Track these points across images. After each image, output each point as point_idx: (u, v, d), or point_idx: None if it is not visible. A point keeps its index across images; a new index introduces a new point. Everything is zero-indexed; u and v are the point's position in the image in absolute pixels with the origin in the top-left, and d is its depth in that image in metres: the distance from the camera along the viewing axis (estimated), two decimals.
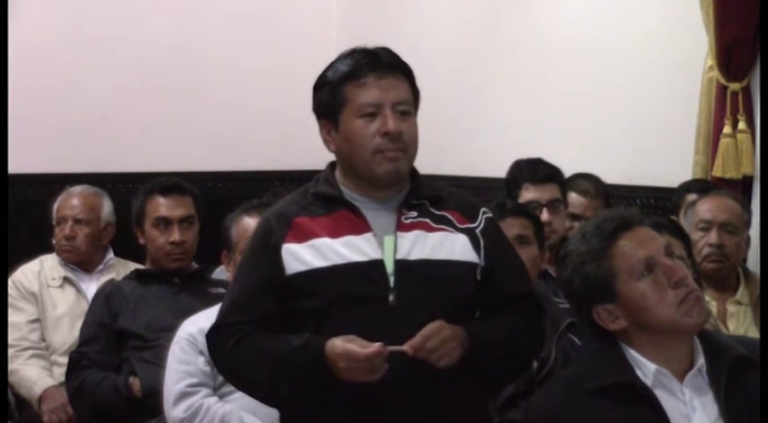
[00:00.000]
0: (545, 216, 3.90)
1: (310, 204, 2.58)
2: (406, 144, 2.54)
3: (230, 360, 2.57)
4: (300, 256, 2.51)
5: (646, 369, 2.34)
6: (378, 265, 2.50)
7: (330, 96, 2.57)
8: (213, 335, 2.60)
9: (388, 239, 2.53)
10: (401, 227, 2.54)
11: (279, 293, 2.52)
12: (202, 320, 3.26)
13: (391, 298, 2.48)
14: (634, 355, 2.36)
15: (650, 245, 2.34)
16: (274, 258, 2.53)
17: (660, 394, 2.32)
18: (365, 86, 2.54)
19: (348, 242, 2.52)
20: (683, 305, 2.31)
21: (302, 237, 2.53)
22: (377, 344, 2.40)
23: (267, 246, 2.55)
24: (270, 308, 2.53)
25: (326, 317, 2.49)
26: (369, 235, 2.53)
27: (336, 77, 2.56)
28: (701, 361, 2.36)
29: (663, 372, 2.33)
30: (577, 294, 2.40)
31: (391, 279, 2.49)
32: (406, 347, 2.42)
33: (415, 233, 2.54)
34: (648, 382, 2.33)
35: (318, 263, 2.50)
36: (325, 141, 2.61)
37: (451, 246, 2.55)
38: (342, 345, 2.41)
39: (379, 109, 2.53)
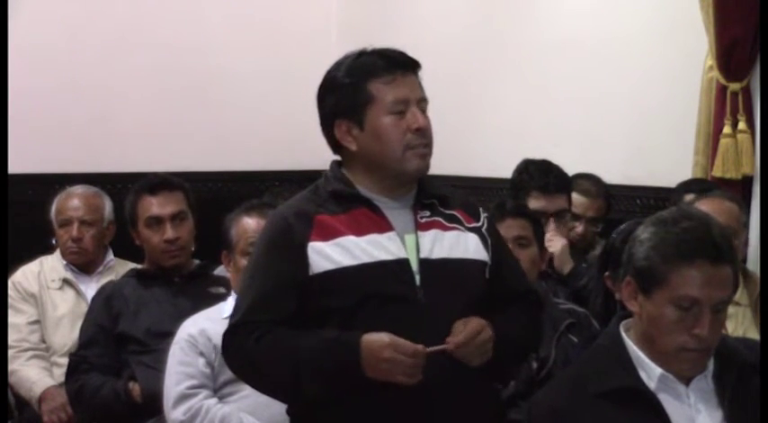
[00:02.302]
0: (550, 226, 3.92)
1: (326, 202, 2.58)
2: (431, 140, 2.59)
3: (251, 356, 2.53)
4: (328, 254, 2.51)
5: (651, 372, 2.34)
6: (404, 263, 2.52)
7: (352, 95, 2.56)
8: (232, 333, 2.56)
9: (409, 238, 2.55)
10: (420, 226, 2.57)
11: (300, 292, 2.52)
12: (202, 321, 3.25)
13: (420, 296, 2.50)
14: (640, 356, 2.36)
15: (709, 290, 2.28)
16: (298, 257, 2.51)
17: (664, 397, 2.32)
18: (393, 83, 2.55)
19: (373, 241, 2.52)
20: (683, 353, 2.31)
21: (327, 235, 2.52)
22: (420, 346, 2.42)
23: (288, 244, 2.53)
24: (291, 307, 2.52)
25: (354, 315, 2.49)
26: (392, 234, 2.54)
27: (358, 76, 2.57)
28: (710, 367, 2.36)
29: (667, 376, 2.33)
30: (630, 254, 2.37)
31: (417, 278, 2.51)
32: (446, 345, 2.44)
33: (434, 232, 2.57)
34: (652, 384, 2.33)
35: (348, 261, 2.50)
36: (343, 142, 2.59)
37: (465, 244, 2.59)
38: (389, 336, 2.42)
39: (406, 106, 2.55)
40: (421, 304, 2.49)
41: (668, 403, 2.32)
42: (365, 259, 2.50)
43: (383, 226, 2.55)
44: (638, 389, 2.32)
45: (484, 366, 2.51)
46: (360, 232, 2.53)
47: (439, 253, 2.54)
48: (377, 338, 2.42)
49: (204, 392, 3.17)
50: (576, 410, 2.32)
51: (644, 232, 2.36)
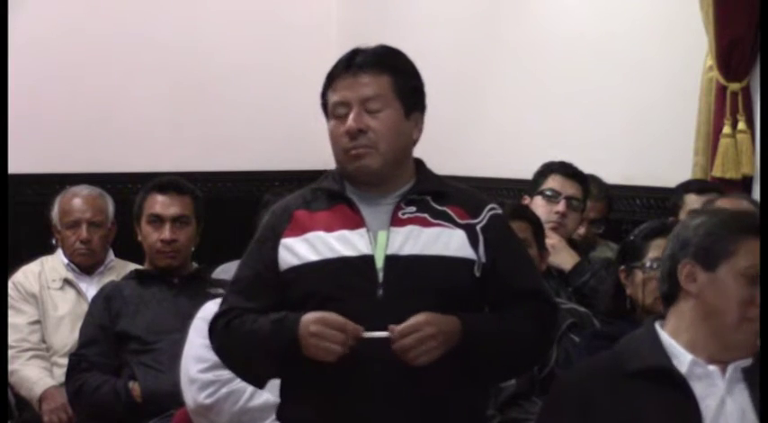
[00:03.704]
0: (561, 207, 3.97)
1: (314, 199, 2.61)
2: (373, 141, 2.54)
3: (219, 342, 2.61)
4: (295, 249, 2.54)
5: (682, 358, 2.38)
6: (367, 260, 2.51)
7: (321, 100, 2.63)
8: (214, 322, 2.63)
9: (382, 235, 2.53)
10: (396, 222, 2.55)
11: (276, 286, 2.55)
12: None
13: (379, 293, 2.49)
14: (672, 343, 2.40)
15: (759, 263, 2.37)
16: (272, 251, 2.56)
17: (694, 381, 2.36)
18: (335, 87, 2.58)
19: (341, 237, 2.53)
20: (745, 325, 2.35)
21: (299, 230, 2.56)
22: (352, 324, 2.42)
23: (270, 237, 2.59)
24: (269, 299, 2.55)
25: (315, 310, 2.48)
26: (362, 230, 2.54)
27: (324, 81, 2.62)
28: (749, 361, 2.38)
29: (698, 362, 2.37)
30: (683, 240, 2.42)
31: (380, 274, 2.50)
32: (387, 334, 2.41)
33: (409, 228, 2.54)
34: (683, 369, 2.36)
35: (311, 257, 2.53)
36: None
37: (446, 241, 2.54)
38: (321, 313, 2.44)
39: (348, 108, 2.55)
40: (380, 301, 2.48)
41: (698, 387, 2.35)
42: (328, 255, 2.51)
43: (356, 222, 2.55)
44: (669, 369, 2.36)
45: (458, 364, 2.47)
46: (331, 228, 2.54)
47: (411, 249, 2.52)
48: (311, 315, 2.44)
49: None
50: (607, 388, 2.36)
51: (693, 220, 2.45)
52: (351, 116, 2.53)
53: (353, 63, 2.57)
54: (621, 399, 2.34)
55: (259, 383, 2.70)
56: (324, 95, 2.61)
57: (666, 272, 2.44)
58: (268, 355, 2.51)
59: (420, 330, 2.42)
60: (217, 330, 2.61)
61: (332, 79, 2.59)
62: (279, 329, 2.48)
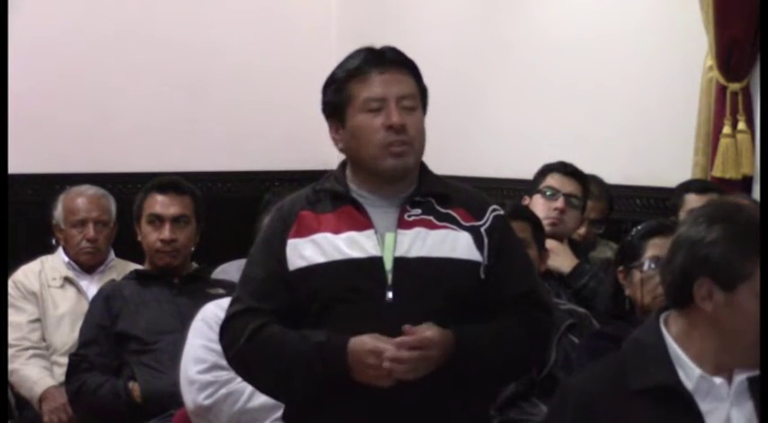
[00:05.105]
0: (560, 203, 3.97)
1: (319, 200, 2.60)
2: (411, 138, 2.55)
3: (244, 353, 2.57)
4: (302, 251, 2.54)
5: (690, 371, 2.32)
6: (376, 262, 2.51)
7: (336, 94, 2.60)
8: (225, 328, 2.61)
9: (389, 236, 2.54)
10: (403, 224, 2.55)
11: (287, 285, 2.55)
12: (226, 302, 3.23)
13: (389, 295, 2.49)
14: (680, 355, 2.34)
15: None
16: (279, 252, 2.56)
17: (700, 397, 2.30)
18: (368, 82, 2.56)
19: (349, 238, 2.53)
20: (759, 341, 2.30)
21: (305, 231, 2.55)
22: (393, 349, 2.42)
23: (274, 238, 2.58)
24: (282, 299, 2.55)
25: (325, 312, 2.50)
26: (370, 232, 2.54)
27: (342, 75, 2.59)
28: (756, 371, 2.33)
29: (705, 377, 2.31)
30: (699, 257, 2.31)
31: (389, 276, 2.50)
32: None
33: (416, 230, 2.55)
34: (690, 384, 2.31)
35: (319, 258, 2.52)
36: (334, 141, 2.63)
37: (453, 244, 2.55)
38: (372, 340, 2.43)
39: (383, 103, 2.55)
40: (389, 303, 2.48)
41: (704, 403, 2.30)
42: (336, 257, 2.51)
43: (363, 224, 2.55)
44: (676, 388, 2.30)
45: (453, 376, 2.48)
46: (338, 230, 2.54)
47: (418, 252, 2.53)
48: (361, 346, 2.43)
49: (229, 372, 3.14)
50: (610, 401, 2.31)
51: (709, 232, 2.32)
52: (393, 112, 2.53)
53: (384, 60, 2.58)
54: (625, 415, 2.29)
55: (285, 398, 2.65)
56: (341, 90, 2.58)
57: (677, 283, 2.35)
58: (310, 377, 2.48)
59: (425, 349, 2.43)
60: (237, 340, 2.56)
61: (359, 73, 2.57)
62: (324, 354, 2.46)
